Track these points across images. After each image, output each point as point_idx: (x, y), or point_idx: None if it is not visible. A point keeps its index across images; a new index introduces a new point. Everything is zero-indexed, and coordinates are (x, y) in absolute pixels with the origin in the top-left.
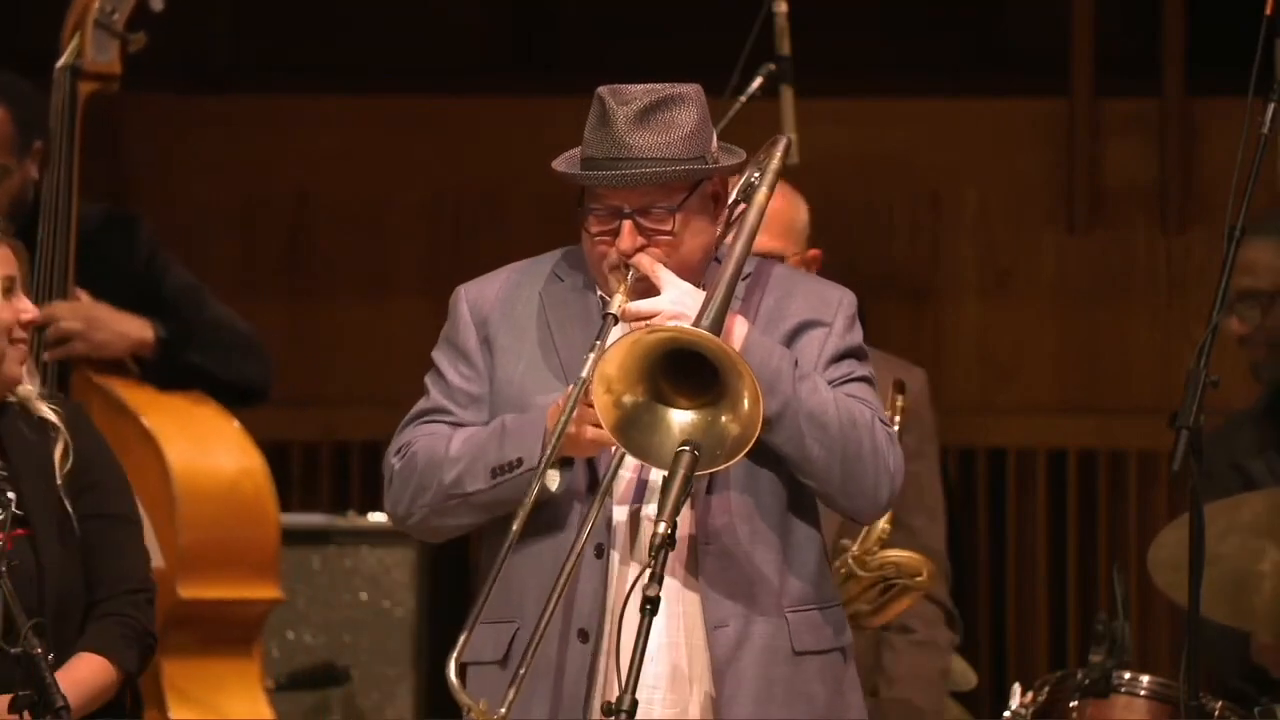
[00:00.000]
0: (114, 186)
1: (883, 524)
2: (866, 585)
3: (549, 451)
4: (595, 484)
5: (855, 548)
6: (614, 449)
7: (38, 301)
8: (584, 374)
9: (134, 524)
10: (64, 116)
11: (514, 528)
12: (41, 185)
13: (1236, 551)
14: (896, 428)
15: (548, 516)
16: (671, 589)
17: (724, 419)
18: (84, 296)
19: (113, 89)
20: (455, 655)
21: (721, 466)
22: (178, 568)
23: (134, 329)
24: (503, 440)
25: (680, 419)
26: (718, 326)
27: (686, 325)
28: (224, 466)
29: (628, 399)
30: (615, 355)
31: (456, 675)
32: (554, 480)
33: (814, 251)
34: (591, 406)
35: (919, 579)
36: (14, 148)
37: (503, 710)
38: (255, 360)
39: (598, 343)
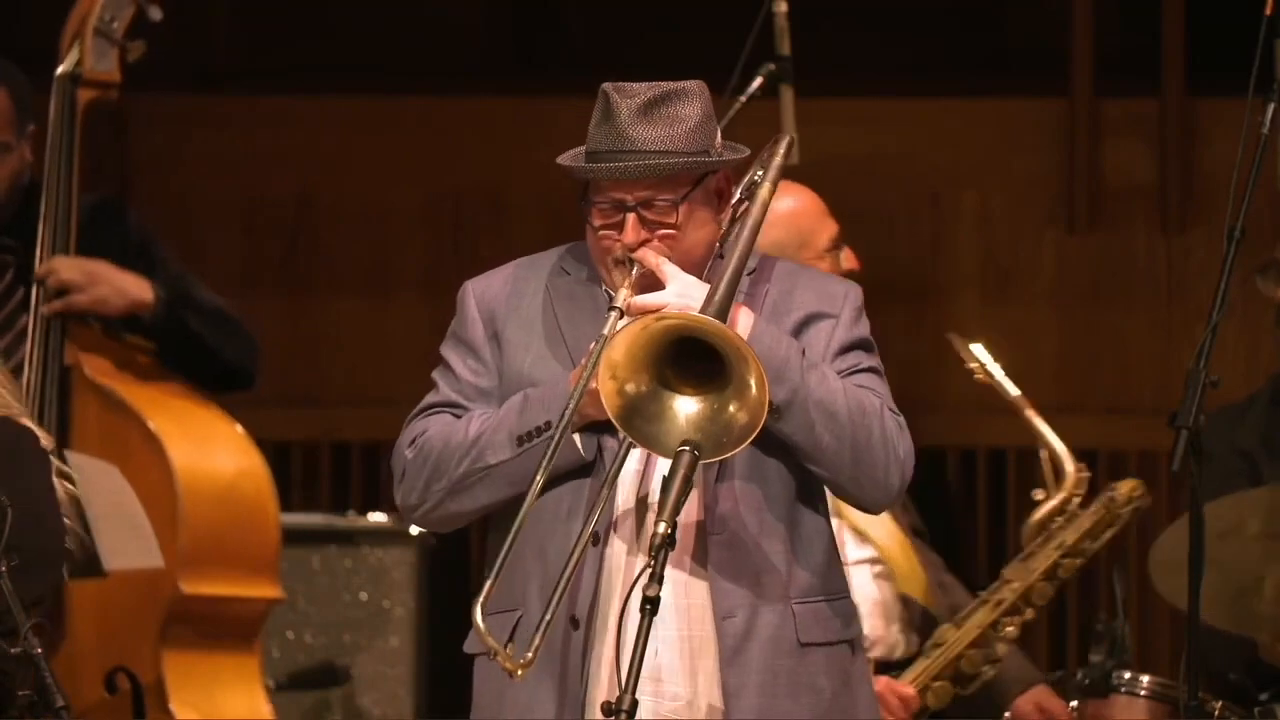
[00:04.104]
0: (115, 186)
1: (1073, 471)
2: (1097, 523)
3: (572, 404)
4: (600, 473)
5: (1060, 495)
6: (621, 437)
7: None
8: (605, 330)
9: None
10: (63, 123)
11: (536, 480)
12: (38, 170)
13: (1237, 554)
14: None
15: (552, 506)
16: (679, 579)
17: (731, 407)
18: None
19: (112, 97)
20: (481, 600)
21: (728, 454)
22: (179, 564)
23: (134, 287)
24: (525, 409)
25: (686, 408)
26: (723, 315)
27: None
28: (225, 467)
29: (632, 386)
30: (623, 340)
31: (481, 619)
32: (578, 442)
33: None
34: None
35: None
36: (13, 127)
37: (529, 655)
38: (245, 343)
39: (604, 335)
